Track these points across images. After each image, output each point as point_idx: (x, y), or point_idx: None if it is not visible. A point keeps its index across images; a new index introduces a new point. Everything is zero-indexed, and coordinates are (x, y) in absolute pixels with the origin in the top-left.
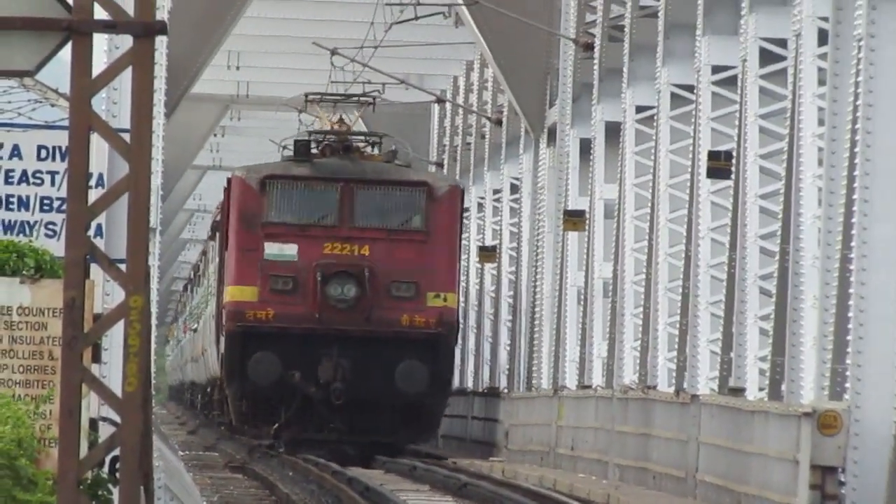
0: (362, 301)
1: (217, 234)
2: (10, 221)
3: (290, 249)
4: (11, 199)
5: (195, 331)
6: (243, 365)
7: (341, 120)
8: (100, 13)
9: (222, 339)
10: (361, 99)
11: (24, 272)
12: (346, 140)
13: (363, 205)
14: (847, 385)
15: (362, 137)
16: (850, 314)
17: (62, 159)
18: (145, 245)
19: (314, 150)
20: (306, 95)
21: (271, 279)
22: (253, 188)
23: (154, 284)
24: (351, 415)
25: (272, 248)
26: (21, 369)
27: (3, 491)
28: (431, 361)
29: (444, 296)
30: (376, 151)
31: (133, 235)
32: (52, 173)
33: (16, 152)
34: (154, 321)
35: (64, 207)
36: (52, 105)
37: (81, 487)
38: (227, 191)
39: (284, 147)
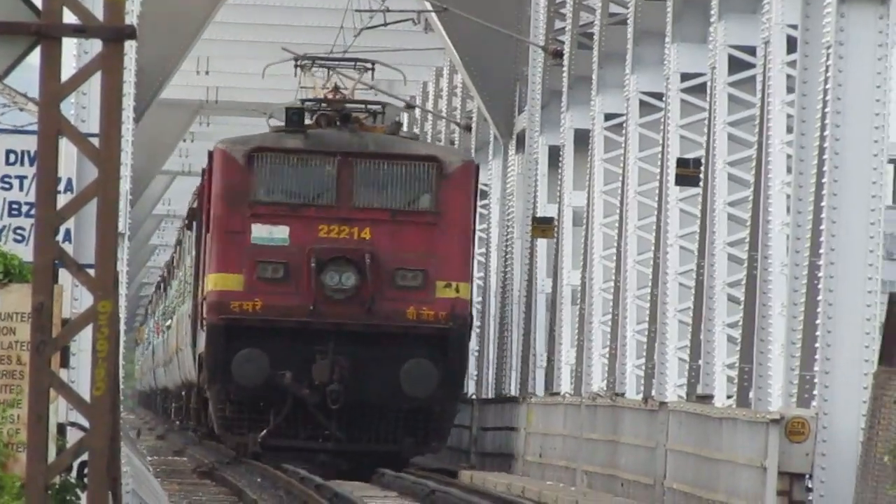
0: (363, 291)
1: (194, 222)
2: None
3: (280, 232)
4: None
5: (168, 328)
6: (227, 363)
7: (336, 88)
8: (69, 17)
9: (202, 335)
10: (359, 64)
11: None
12: (345, 109)
13: (364, 182)
14: (815, 392)
15: (363, 106)
16: (818, 321)
17: (31, 164)
18: (114, 250)
19: (308, 121)
20: (296, 59)
21: (259, 266)
22: (238, 162)
23: (122, 290)
24: (349, 421)
25: (260, 231)
26: None
27: None
28: (441, 360)
29: (456, 286)
30: (378, 122)
31: (101, 240)
32: (21, 178)
33: None
34: (122, 326)
35: (32, 212)
36: (21, 109)
37: (49, 492)
38: (209, 166)
39: (271, 116)
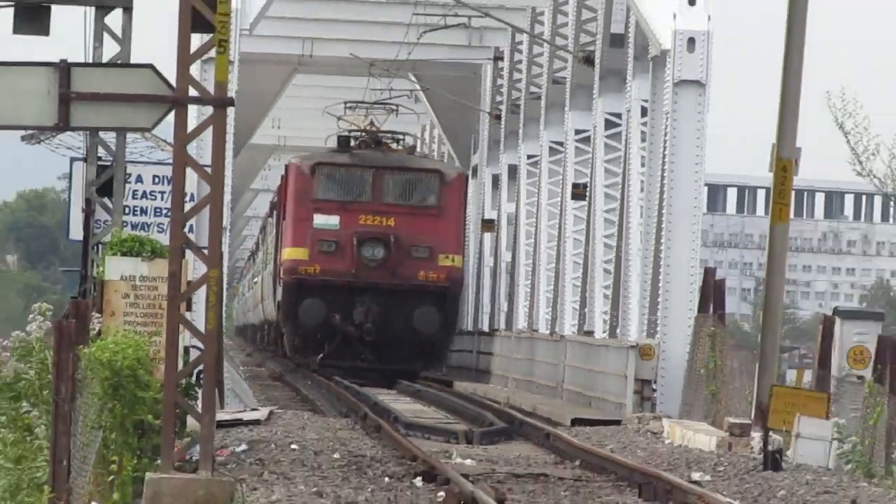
0: (389, 260)
1: (275, 212)
2: (135, 223)
3: (333, 220)
4: (136, 209)
5: (255, 284)
6: (296, 309)
7: (371, 122)
8: (192, 92)
9: (279, 290)
10: (388, 106)
11: (143, 254)
12: (377, 136)
13: (390, 186)
14: (657, 329)
15: (389, 135)
16: (660, 285)
17: (168, 184)
18: (220, 237)
19: (353, 144)
20: (345, 103)
21: (318, 243)
22: (306, 172)
23: (225, 262)
24: (379, 349)
25: (320, 219)
26: (142, 315)
27: (128, 391)
28: (442, 308)
29: (452, 257)
30: (400, 146)
31: (212, 231)
32: (162, 192)
33: (139, 179)
34: (224, 285)
35: (169, 213)
36: (162, 150)
37: (179, 389)
38: (286, 175)
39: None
